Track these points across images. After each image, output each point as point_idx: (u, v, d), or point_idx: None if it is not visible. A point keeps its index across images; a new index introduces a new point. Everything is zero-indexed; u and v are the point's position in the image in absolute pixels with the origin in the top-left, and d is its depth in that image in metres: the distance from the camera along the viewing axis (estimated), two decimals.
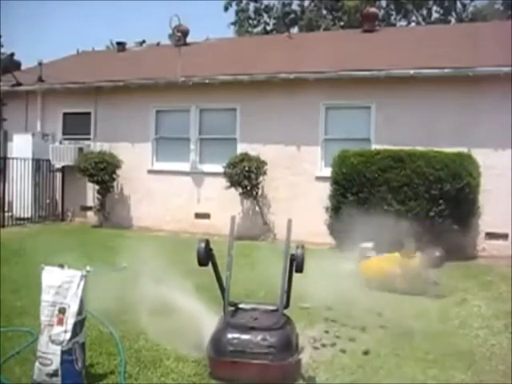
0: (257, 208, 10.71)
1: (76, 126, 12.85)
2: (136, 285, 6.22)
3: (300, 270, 3.67)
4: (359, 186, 9.02)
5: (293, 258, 3.67)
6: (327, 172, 9.88)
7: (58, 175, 12.74)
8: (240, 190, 10.44)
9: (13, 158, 12.07)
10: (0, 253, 7.18)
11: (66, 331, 3.32)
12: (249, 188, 10.38)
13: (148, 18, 49.77)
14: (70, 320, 3.33)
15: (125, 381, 3.56)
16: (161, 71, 12.10)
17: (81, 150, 12.19)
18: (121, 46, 16.15)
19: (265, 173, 10.52)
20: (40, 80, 12.87)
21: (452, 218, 8.53)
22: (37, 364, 3.36)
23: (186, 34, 14.67)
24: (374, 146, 9.86)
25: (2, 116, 13.50)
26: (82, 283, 3.39)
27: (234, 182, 10.34)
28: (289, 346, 3.61)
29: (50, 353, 3.31)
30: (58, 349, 3.30)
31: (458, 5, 25.30)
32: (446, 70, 9.59)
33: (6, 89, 13.10)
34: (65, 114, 12.96)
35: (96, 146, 12.35)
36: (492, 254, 9.13)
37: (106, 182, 11.73)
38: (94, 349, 3.87)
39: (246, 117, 11.20)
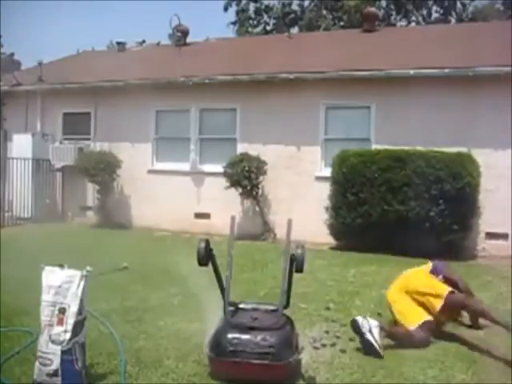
0: (257, 208, 10.71)
1: (76, 126, 12.85)
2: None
3: (300, 269, 3.67)
4: (359, 185, 9.03)
5: (293, 258, 3.67)
6: (327, 172, 9.88)
7: (58, 175, 12.73)
8: (240, 189, 10.43)
9: (13, 158, 12.07)
10: (0, 253, 7.17)
11: (66, 331, 3.32)
12: (249, 188, 10.38)
13: (148, 18, 49.82)
14: (70, 320, 3.33)
15: (125, 381, 3.56)
16: (161, 71, 12.10)
17: (81, 149, 12.19)
18: (121, 45, 16.14)
19: (265, 173, 10.52)
20: (40, 80, 12.87)
21: (452, 217, 8.53)
22: (37, 364, 3.36)
23: (186, 34, 14.69)
24: (374, 146, 9.86)
25: (2, 116, 13.51)
26: (82, 283, 3.39)
27: (233, 182, 10.33)
28: (289, 346, 3.61)
29: (50, 353, 3.31)
30: (58, 349, 3.30)
31: (458, 5, 25.26)
32: (445, 70, 9.58)
33: (5, 89, 13.10)
34: (65, 114, 12.96)
35: (96, 146, 12.35)
36: (492, 253, 9.12)
37: (106, 182, 11.73)
38: (93, 349, 3.87)
39: (246, 117, 11.20)
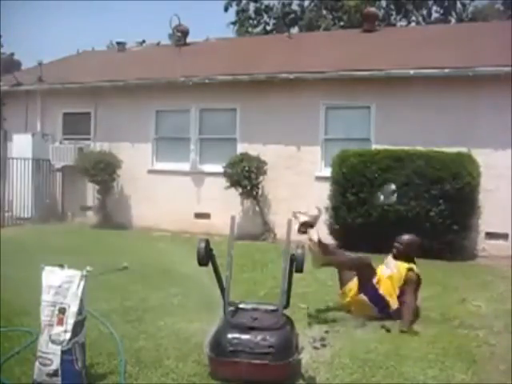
0: (257, 208, 10.71)
1: (76, 126, 12.85)
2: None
3: (300, 269, 3.67)
4: (359, 185, 9.02)
5: (293, 258, 3.67)
6: (327, 172, 9.88)
7: (58, 175, 12.73)
8: (240, 189, 10.44)
9: (13, 158, 12.08)
10: (0, 253, 7.17)
11: (65, 331, 3.31)
12: (249, 188, 10.38)
13: (148, 18, 49.85)
14: (70, 320, 3.33)
15: (125, 381, 3.56)
16: (161, 71, 12.10)
17: (81, 150, 12.20)
18: (121, 45, 16.14)
19: (265, 173, 10.52)
20: (40, 80, 12.87)
21: (452, 217, 8.53)
22: (37, 364, 3.36)
23: (186, 34, 14.69)
24: (374, 146, 9.86)
25: (2, 116, 13.51)
26: (82, 283, 3.39)
27: (233, 182, 10.34)
28: (289, 346, 3.61)
29: (50, 353, 3.30)
30: (58, 349, 3.30)
31: (458, 5, 25.25)
32: (445, 70, 9.59)
33: (5, 89, 13.11)
34: (65, 114, 12.96)
35: (96, 146, 12.35)
36: (492, 253, 9.12)
37: (106, 182, 11.73)
38: (93, 349, 3.87)
39: (246, 117, 11.20)
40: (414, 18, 25.40)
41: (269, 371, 3.47)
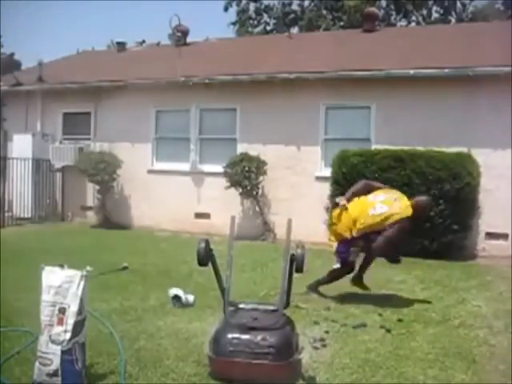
0: (257, 208, 10.71)
1: (76, 126, 12.85)
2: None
3: (300, 269, 3.67)
4: None
5: (293, 258, 3.67)
6: (327, 172, 9.87)
7: (58, 175, 12.73)
8: (240, 189, 10.44)
9: (13, 158, 12.08)
10: (0, 253, 7.18)
11: (66, 331, 3.32)
12: (249, 188, 10.38)
13: (148, 18, 49.89)
14: (70, 320, 3.33)
15: (125, 381, 3.56)
16: (161, 71, 12.10)
17: (81, 149, 12.20)
18: (121, 45, 16.12)
19: (265, 173, 10.52)
20: (40, 80, 12.86)
21: (452, 217, 8.53)
22: (37, 364, 3.36)
23: (186, 34, 14.68)
24: (374, 146, 9.85)
25: (2, 116, 13.51)
26: (82, 283, 3.39)
27: (233, 182, 10.34)
28: (289, 346, 3.61)
29: (50, 353, 3.31)
30: (58, 349, 3.30)
31: (458, 5, 25.26)
32: (445, 70, 9.58)
33: (5, 89, 13.10)
34: (65, 114, 12.95)
35: (96, 146, 12.34)
36: (492, 254, 9.12)
37: (106, 182, 11.72)
38: (93, 349, 3.87)
39: (246, 117, 11.19)
40: (414, 18, 25.41)
41: (269, 371, 3.47)
